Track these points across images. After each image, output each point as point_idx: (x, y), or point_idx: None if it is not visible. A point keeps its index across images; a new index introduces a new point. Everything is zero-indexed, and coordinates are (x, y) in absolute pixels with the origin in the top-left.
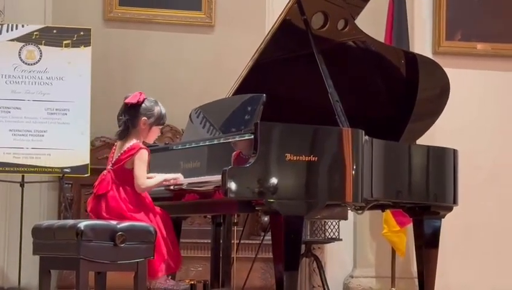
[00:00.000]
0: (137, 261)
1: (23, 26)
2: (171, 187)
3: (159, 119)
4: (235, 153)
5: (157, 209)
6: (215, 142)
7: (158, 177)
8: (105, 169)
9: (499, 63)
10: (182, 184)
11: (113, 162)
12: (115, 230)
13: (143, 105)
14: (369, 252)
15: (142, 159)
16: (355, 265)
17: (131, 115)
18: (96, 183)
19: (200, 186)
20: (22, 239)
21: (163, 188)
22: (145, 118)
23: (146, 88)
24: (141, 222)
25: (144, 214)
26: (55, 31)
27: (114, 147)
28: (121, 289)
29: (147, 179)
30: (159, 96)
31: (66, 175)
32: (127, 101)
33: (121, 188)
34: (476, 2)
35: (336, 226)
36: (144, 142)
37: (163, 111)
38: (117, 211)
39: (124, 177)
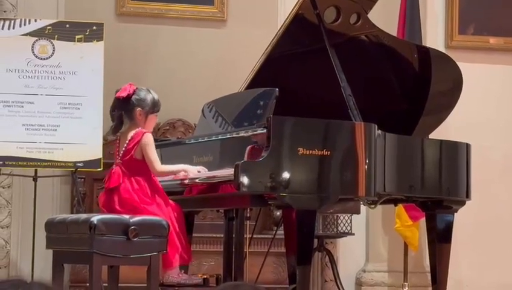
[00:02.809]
0: (150, 255)
1: (36, 20)
2: (186, 181)
3: (154, 107)
4: (249, 146)
5: (171, 202)
6: (227, 136)
7: (179, 165)
8: (114, 163)
9: (511, 57)
10: (196, 178)
11: (120, 155)
12: (128, 224)
13: (135, 96)
14: (381, 247)
15: (149, 143)
16: (368, 259)
17: (125, 108)
18: (106, 178)
19: (214, 180)
20: (35, 233)
21: (177, 182)
22: (140, 108)
23: (158, 82)
24: (154, 214)
25: (157, 206)
26: (67, 26)
27: (117, 142)
28: (133, 283)
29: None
30: (172, 90)
31: (78, 169)
32: (118, 95)
33: (132, 179)
34: None
35: (349, 221)
36: None
37: (156, 98)
38: (130, 202)
39: (135, 168)
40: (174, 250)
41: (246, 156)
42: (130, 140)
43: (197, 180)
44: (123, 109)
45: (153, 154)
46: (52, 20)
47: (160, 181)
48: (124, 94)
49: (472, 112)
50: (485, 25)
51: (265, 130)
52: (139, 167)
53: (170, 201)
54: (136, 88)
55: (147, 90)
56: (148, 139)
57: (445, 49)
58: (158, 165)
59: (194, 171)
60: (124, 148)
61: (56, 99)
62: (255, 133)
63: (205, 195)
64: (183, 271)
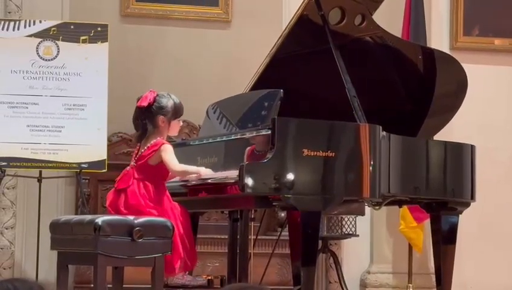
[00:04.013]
0: (155, 257)
1: (40, 22)
2: (193, 182)
3: (176, 113)
4: (249, 148)
5: (176, 205)
6: (232, 137)
7: (194, 167)
8: (128, 165)
9: None
10: (205, 179)
11: (136, 158)
12: (133, 225)
13: (156, 104)
14: (386, 248)
15: (167, 150)
16: (372, 261)
17: (147, 117)
18: (118, 178)
19: (219, 181)
20: (39, 234)
21: (179, 183)
22: (162, 116)
23: (163, 84)
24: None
25: (162, 210)
26: (72, 27)
27: (138, 145)
28: (138, 285)
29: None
30: (176, 92)
31: (83, 170)
32: (139, 104)
33: (141, 184)
34: None
35: (353, 222)
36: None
37: (178, 102)
38: (135, 207)
39: (146, 173)
40: (176, 256)
41: (245, 157)
42: (148, 147)
43: (209, 181)
44: (146, 118)
45: (171, 158)
46: (57, 21)
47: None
48: (145, 103)
49: (477, 113)
50: (489, 26)
51: (269, 132)
52: (151, 172)
53: (176, 204)
54: (157, 95)
55: (168, 95)
56: (167, 148)
57: (449, 51)
58: (177, 166)
59: (206, 174)
60: (141, 153)
61: (60, 100)
62: (254, 135)
63: (210, 196)
64: (187, 272)
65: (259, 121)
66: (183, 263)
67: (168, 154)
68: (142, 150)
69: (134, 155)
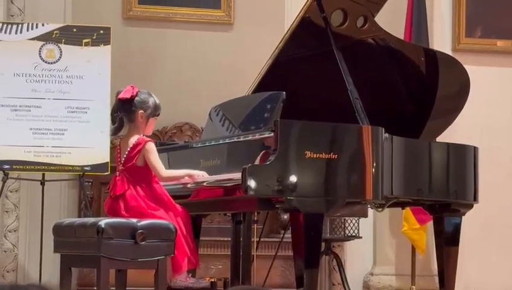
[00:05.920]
0: (158, 259)
1: (43, 25)
2: (188, 185)
3: (155, 110)
4: (264, 152)
5: (178, 206)
6: (235, 140)
7: (182, 170)
8: (116, 170)
9: None
10: (202, 182)
11: (122, 161)
12: (136, 228)
13: (137, 98)
14: (389, 250)
15: (152, 151)
16: (375, 263)
17: (127, 110)
18: (111, 186)
19: (222, 184)
20: (42, 237)
21: (181, 185)
22: (142, 111)
23: (165, 86)
24: (161, 219)
25: (164, 211)
26: (75, 30)
27: (118, 147)
28: (141, 287)
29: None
30: (179, 94)
31: (86, 173)
32: (120, 96)
33: (137, 186)
34: None
35: (356, 224)
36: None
37: (158, 101)
38: (137, 209)
39: (138, 175)
40: (183, 254)
41: (258, 160)
42: (131, 147)
43: (204, 184)
44: (125, 111)
45: (157, 162)
46: (59, 24)
47: (165, 185)
48: (128, 95)
49: (480, 114)
50: (492, 27)
51: (272, 134)
52: (141, 174)
53: (177, 205)
54: (138, 90)
55: (149, 93)
56: (151, 148)
57: (452, 52)
58: (163, 171)
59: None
60: (125, 155)
61: (63, 103)
62: (268, 136)
63: (212, 199)
64: (190, 275)
65: (262, 124)
66: (189, 260)
67: (153, 157)
68: (126, 152)
69: (117, 158)
